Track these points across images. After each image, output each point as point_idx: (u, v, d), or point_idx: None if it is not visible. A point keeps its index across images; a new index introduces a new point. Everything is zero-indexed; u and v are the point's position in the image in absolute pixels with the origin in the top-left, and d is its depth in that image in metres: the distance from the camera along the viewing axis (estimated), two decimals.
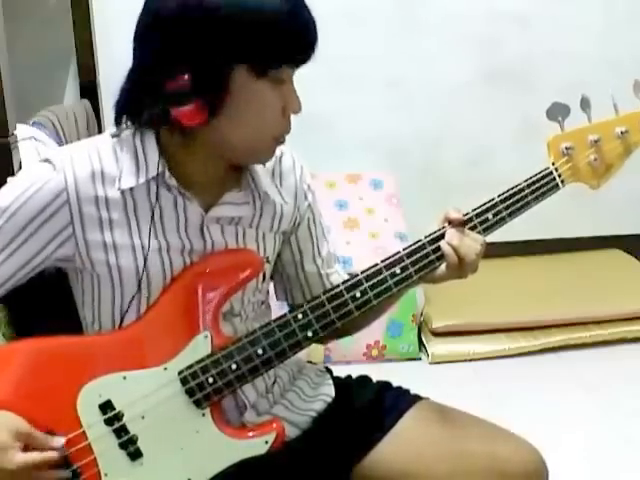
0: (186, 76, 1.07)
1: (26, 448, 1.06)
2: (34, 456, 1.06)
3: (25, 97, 2.06)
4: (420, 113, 3.08)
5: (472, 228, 1.20)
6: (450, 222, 1.19)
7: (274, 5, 1.07)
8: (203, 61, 1.07)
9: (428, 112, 3.08)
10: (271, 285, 1.37)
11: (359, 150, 3.06)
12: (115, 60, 2.67)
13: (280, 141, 1.18)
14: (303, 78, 1.18)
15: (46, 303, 1.27)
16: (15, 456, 1.04)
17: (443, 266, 1.19)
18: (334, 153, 3.01)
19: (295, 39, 1.10)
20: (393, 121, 3.07)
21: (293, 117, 1.16)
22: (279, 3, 1.08)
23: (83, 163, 1.15)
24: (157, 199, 1.16)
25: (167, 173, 1.15)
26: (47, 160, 1.15)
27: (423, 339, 2.77)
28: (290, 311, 1.18)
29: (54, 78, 2.84)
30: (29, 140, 1.85)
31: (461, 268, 1.18)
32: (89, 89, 2.73)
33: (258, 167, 1.23)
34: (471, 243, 1.17)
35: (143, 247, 1.16)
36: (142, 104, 1.12)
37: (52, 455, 1.08)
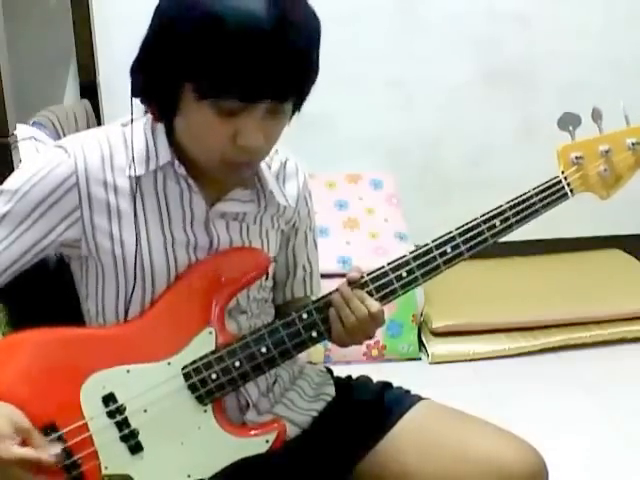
0: (147, 78, 1.10)
1: (23, 445, 1.05)
2: (30, 452, 1.05)
3: (25, 97, 2.06)
4: (420, 113, 3.08)
5: (479, 234, 1.18)
6: (349, 283, 1.17)
7: (240, 27, 1.00)
8: (159, 70, 1.08)
9: (428, 112, 3.08)
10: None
11: (359, 150, 3.06)
12: (115, 60, 2.69)
13: (234, 165, 1.12)
14: None
15: (46, 303, 1.27)
16: (12, 448, 1.03)
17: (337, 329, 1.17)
18: (334, 153, 3.00)
19: (246, 73, 1.02)
20: (393, 121, 3.07)
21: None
22: (249, 27, 1.00)
23: (94, 149, 1.17)
24: (164, 188, 1.17)
25: (177, 162, 1.16)
26: (59, 146, 1.17)
27: (423, 339, 2.76)
28: (295, 310, 1.18)
29: (54, 78, 2.84)
30: (29, 140, 1.85)
31: (345, 332, 1.16)
32: (89, 89, 2.74)
33: (264, 168, 1.24)
34: (357, 306, 1.15)
35: (148, 238, 1.17)
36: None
37: (47, 457, 1.06)
